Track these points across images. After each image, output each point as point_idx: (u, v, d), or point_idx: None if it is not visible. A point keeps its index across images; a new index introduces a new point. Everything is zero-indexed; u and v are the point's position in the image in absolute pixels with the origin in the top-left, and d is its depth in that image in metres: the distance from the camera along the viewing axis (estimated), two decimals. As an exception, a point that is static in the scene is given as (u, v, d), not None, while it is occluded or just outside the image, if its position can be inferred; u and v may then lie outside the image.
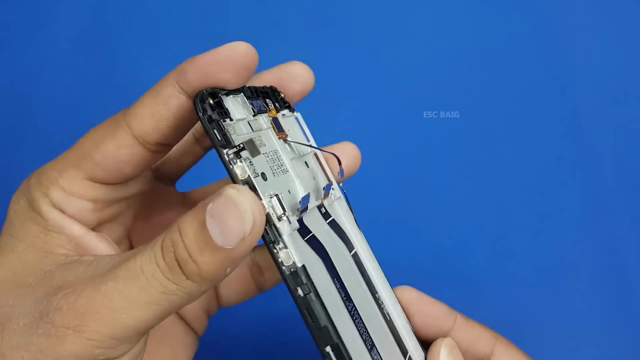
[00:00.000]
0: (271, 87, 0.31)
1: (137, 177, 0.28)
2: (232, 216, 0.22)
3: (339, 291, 0.27)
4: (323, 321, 0.25)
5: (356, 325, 0.27)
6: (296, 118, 0.32)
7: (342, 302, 0.27)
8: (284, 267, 0.25)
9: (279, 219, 0.25)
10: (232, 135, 0.25)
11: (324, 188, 0.30)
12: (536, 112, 0.53)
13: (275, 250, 0.25)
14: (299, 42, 0.52)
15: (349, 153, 0.32)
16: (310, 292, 0.25)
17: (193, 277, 0.22)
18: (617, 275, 0.46)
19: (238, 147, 0.24)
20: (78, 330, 0.22)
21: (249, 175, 0.24)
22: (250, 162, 0.25)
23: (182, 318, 0.33)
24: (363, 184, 0.36)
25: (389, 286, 0.32)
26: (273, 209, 0.25)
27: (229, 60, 0.25)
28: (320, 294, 0.25)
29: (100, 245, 0.27)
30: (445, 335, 0.30)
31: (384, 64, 0.55)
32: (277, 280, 0.33)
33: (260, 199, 0.24)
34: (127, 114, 0.25)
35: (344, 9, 0.56)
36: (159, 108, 0.25)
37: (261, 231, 0.23)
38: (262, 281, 0.33)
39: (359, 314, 0.28)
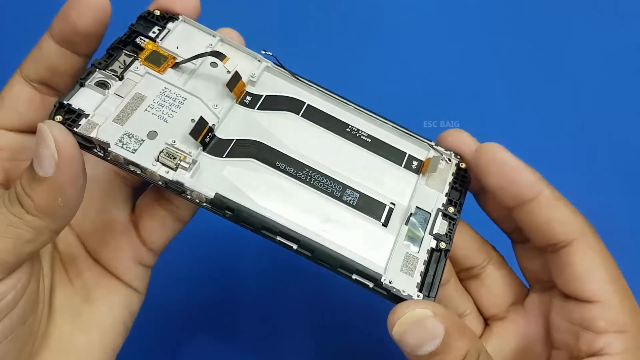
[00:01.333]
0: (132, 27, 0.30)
1: None
2: (41, 145, 0.24)
3: (285, 171, 0.29)
4: (259, 222, 0.27)
5: (315, 186, 0.29)
6: (183, 20, 0.31)
7: (292, 178, 0.29)
8: (203, 205, 0.27)
9: (175, 168, 0.27)
10: (92, 131, 0.27)
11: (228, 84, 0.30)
12: (537, 121, 0.54)
13: (188, 196, 0.27)
14: (299, 52, 0.53)
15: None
16: (235, 210, 0.27)
17: (31, 210, 0.25)
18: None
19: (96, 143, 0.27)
20: None
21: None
22: (123, 138, 0.27)
23: (113, 275, 0.32)
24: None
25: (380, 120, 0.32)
26: (164, 164, 0.27)
27: (77, 2, 0.28)
28: (254, 199, 0.28)
29: None
30: (521, 203, 0.29)
31: (385, 73, 0.55)
32: (192, 207, 0.32)
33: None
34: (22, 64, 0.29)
35: (345, 16, 0.56)
36: (36, 52, 0.29)
37: (73, 156, 0.25)
38: (177, 210, 0.32)
39: (317, 171, 0.29)
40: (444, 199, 0.30)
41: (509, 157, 0.29)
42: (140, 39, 0.30)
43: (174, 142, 0.28)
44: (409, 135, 0.32)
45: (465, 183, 0.31)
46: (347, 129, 0.31)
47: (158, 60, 0.30)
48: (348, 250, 0.27)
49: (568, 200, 0.29)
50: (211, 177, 0.28)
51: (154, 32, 0.31)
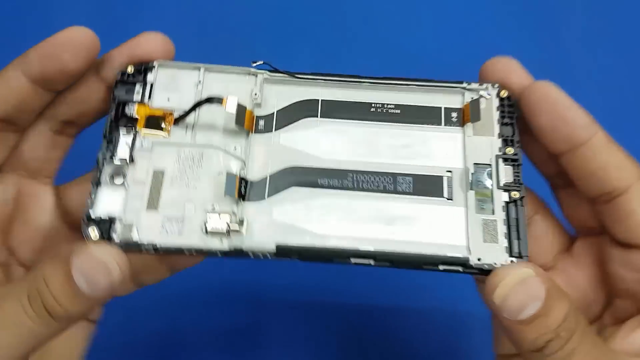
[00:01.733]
0: (114, 93, 0.28)
1: None
2: (98, 272, 0.24)
3: (330, 186, 0.27)
4: (327, 255, 0.26)
5: (366, 189, 0.27)
6: (160, 65, 0.29)
7: (340, 190, 0.27)
8: (267, 258, 0.26)
9: (227, 234, 0.26)
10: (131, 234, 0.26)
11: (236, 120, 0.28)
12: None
13: (250, 257, 0.26)
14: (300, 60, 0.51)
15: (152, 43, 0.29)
16: (301, 253, 0.26)
17: (61, 319, 0.24)
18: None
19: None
20: None
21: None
22: (164, 224, 0.26)
23: None
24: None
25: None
26: (215, 234, 0.26)
27: (68, 42, 0.26)
28: (314, 231, 0.26)
29: None
30: (573, 146, 0.27)
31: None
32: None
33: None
34: None
35: (345, 24, 0.54)
36: (1, 88, 0.27)
37: (126, 276, 0.24)
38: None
39: (361, 172, 0.28)
40: (499, 142, 0.28)
41: (563, 96, 0.26)
42: (129, 107, 0.28)
43: (214, 207, 0.27)
44: (436, 87, 0.29)
45: (513, 113, 0.29)
46: (372, 109, 0.29)
47: (158, 124, 0.28)
48: (424, 244, 0.26)
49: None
50: (264, 227, 0.27)
51: (138, 93, 0.29)
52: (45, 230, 0.30)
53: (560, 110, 0.26)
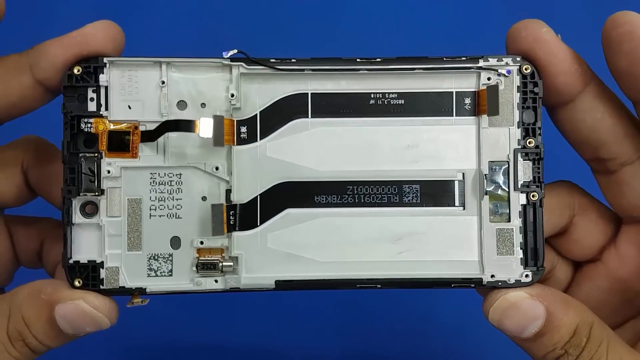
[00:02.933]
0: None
1: None
2: (85, 322, 0.23)
3: (328, 204, 0.25)
4: (330, 284, 0.24)
5: (369, 204, 0.25)
6: (112, 63, 0.24)
7: (339, 207, 0.25)
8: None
9: (221, 273, 0.24)
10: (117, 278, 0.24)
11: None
12: None
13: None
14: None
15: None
16: (302, 285, 0.24)
17: (44, 351, 0.24)
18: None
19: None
20: None
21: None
22: (150, 264, 0.24)
23: None
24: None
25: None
26: (207, 275, 0.24)
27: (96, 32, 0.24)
28: (314, 258, 0.25)
29: None
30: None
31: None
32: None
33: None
34: None
35: (344, 32, 0.50)
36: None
37: (112, 319, 0.24)
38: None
39: (362, 183, 0.25)
40: (519, 133, 0.24)
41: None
42: (84, 122, 0.24)
43: (202, 242, 0.24)
44: (446, 69, 0.24)
45: (537, 93, 0.24)
46: (371, 101, 0.25)
47: (123, 144, 0.24)
48: (434, 263, 0.24)
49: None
50: (260, 259, 0.24)
51: (92, 101, 0.24)
52: None
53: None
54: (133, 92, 0.24)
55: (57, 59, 0.24)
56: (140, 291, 0.24)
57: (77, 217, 0.24)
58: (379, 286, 0.24)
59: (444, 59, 0.24)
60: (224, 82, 0.24)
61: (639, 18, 0.22)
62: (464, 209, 0.25)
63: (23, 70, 0.24)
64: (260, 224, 0.24)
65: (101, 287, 0.24)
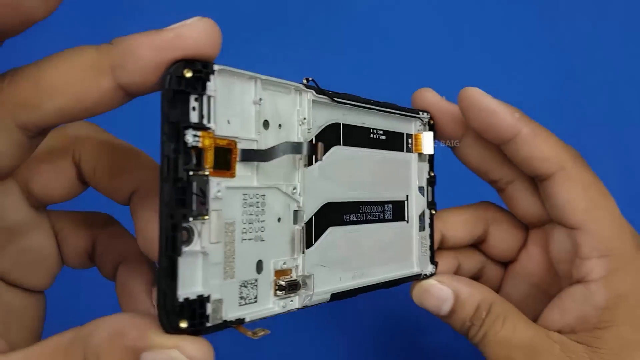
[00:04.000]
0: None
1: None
2: None
3: (351, 222, 0.28)
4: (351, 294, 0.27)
5: (369, 220, 0.29)
6: (218, 72, 0.21)
7: (356, 225, 0.28)
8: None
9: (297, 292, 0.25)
10: (219, 313, 0.21)
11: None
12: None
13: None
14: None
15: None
16: (340, 297, 0.27)
17: None
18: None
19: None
20: None
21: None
22: (242, 292, 0.23)
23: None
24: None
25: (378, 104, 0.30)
26: (286, 297, 0.24)
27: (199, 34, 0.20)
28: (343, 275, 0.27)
29: None
30: (502, 142, 0.31)
31: (385, 93, 0.41)
32: None
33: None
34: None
35: (344, 39, 0.52)
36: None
37: None
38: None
39: (366, 203, 0.29)
40: (427, 167, 0.34)
41: (487, 100, 0.30)
42: (191, 134, 0.20)
43: (284, 263, 0.24)
44: (402, 114, 0.31)
45: (434, 137, 0.34)
46: (371, 135, 0.29)
47: (226, 162, 0.22)
48: (396, 266, 0.31)
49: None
50: (320, 277, 0.26)
51: (194, 111, 0.21)
52: (12, 226, 0.25)
53: (485, 115, 0.30)
54: (231, 106, 0.22)
55: (147, 63, 0.20)
56: (240, 322, 0.22)
57: (184, 246, 0.20)
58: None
59: (399, 107, 0.31)
60: (295, 106, 0.25)
61: (476, 91, 0.30)
62: (407, 222, 0.32)
63: (103, 71, 0.20)
64: (314, 241, 0.26)
65: (207, 324, 0.21)
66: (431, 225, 0.33)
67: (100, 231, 0.27)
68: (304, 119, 0.25)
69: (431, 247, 0.33)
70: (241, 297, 0.22)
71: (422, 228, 0.33)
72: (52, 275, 0.27)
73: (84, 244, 0.27)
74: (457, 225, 0.34)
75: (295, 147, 0.24)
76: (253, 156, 0.23)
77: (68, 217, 0.27)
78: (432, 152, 0.33)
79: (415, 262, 0.32)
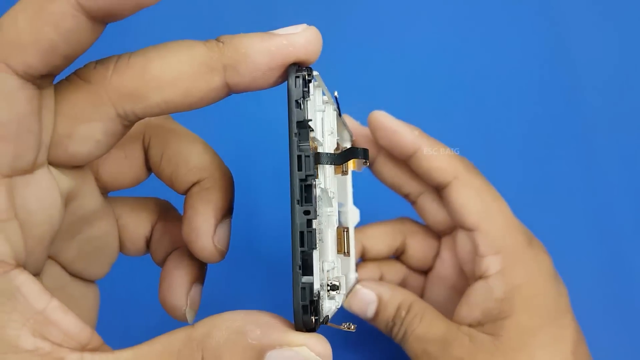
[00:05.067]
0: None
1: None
2: None
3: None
4: None
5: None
6: (314, 78, 0.22)
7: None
8: None
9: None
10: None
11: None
12: (537, 148, 0.49)
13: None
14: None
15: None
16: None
17: None
18: (618, 276, 0.46)
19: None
20: None
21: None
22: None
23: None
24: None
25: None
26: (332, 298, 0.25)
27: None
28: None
29: (59, 316, 0.20)
30: (406, 157, 0.34)
31: (385, 99, 0.46)
32: None
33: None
34: None
35: (343, 46, 0.51)
36: (46, 32, 0.19)
37: None
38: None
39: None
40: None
41: (390, 121, 0.35)
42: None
43: (334, 265, 0.25)
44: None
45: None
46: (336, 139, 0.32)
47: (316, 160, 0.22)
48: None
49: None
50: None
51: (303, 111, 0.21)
52: (85, 216, 0.24)
53: (390, 134, 0.35)
54: (313, 112, 0.23)
55: (260, 67, 0.21)
56: (327, 319, 0.23)
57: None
58: None
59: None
60: (331, 118, 0.27)
61: (381, 113, 0.35)
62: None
63: (215, 70, 0.21)
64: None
65: (319, 320, 0.21)
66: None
67: (159, 218, 0.27)
68: (332, 129, 0.27)
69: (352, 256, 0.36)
70: (322, 305, 0.23)
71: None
72: (110, 264, 0.27)
73: (144, 231, 0.27)
74: (377, 238, 0.38)
75: (362, 153, 0.25)
76: (329, 159, 0.24)
77: (127, 203, 0.27)
78: (359, 170, 0.37)
79: (353, 268, 0.35)
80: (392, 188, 0.39)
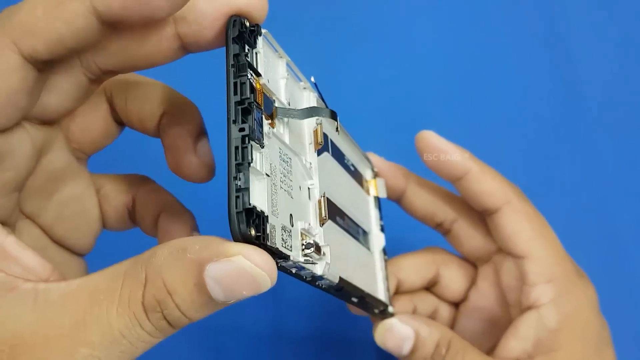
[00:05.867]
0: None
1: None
2: (244, 286, 0.20)
3: (340, 225, 0.29)
4: (356, 293, 0.28)
5: (352, 234, 0.31)
6: (264, 36, 0.24)
7: (343, 230, 0.29)
8: (324, 288, 0.26)
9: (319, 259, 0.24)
10: (275, 239, 0.22)
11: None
12: (537, 154, 0.51)
13: (317, 284, 0.26)
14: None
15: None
16: (343, 289, 0.27)
17: (182, 326, 0.21)
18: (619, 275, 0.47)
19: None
20: None
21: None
22: (283, 235, 0.23)
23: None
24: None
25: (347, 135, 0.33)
26: (310, 258, 0.24)
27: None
28: (347, 275, 0.27)
29: (18, 251, 0.22)
30: (454, 179, 0.34)
31: (385, 105, 0.50)
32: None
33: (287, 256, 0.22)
34: (8, 26, 0.21)
35: (343, 52, 0.52)
36: (58, 26, 0.21)
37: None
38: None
39: (350, 219, 0.31)
40: (378, 213, 0.37)
41: (440, 142, 0.34)
42: (250, 72, 0.22)
43: (309, 225, 0.25)
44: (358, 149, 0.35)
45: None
46: (345, 160, 0.33)
47: (269, 106, 0.24)
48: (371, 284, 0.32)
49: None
50: (330, 255, 0.26)
51: (246, 56, 0.23)
52: (57, 173, 0.26)
53: (439, 156, 0.34)
54: (267, 71, 0.25)
55: (206, 15, 0.22)
56: (286, 257, 0.22)
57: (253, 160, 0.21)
58: (355, 300, 0.30)
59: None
60: (307, 101, 0.28)
61: (429, 133, 0.34)
62: (371, 252, 0.34)
63: (166, 22, 0.22)
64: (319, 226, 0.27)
65: (267, 243, 0.21)
66: (385, 269, 0.35)
67: (139, 188, 0.28)
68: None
69: (388, 289, 0.34)
70: (283, 240, 0.22)
71: (383, 267, 0.35)
72: (93, 236, 0.28)
73: (125, 199, 0.28)
74: (411, 270, 0.37)
75: (328, 112, 0.25)
76: (289, 113, 0.25)
77: (108, 177, 0.28)
78: (385, 196, 0.37)
79: (381, 293, 0.34)
80: (424, 219, 0.38)
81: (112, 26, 0.21)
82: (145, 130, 0.27)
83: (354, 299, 0.30)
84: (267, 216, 0.21)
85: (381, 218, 0.36)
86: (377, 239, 0.35)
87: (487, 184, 0.34)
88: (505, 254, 0.35)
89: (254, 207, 0.20)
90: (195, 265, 0.20)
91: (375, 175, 0.37)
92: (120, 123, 0.27)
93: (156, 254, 0.20)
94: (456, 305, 0.38)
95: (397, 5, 0.54)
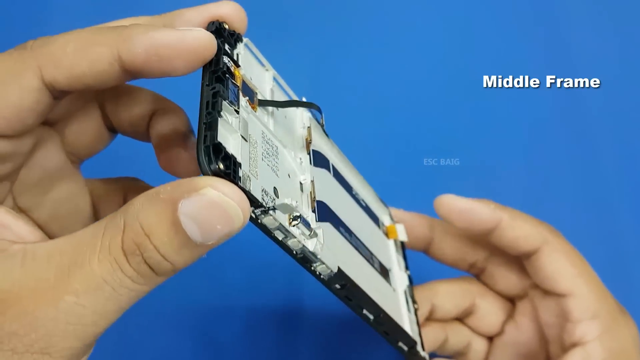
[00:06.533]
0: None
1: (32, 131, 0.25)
2: (217, 220, 0.20)
3: (345, 237, 0.29)
4: (364, 300, 0.27)
5: (362, 255, 0.30)
6: (246, 45, 0.27)
7: (350, 244, 0.29)
8: (324, 278, 0.25)
9: (309, 236, 0.24)
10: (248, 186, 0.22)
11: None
12: (538, 161, 0.51)
13: (313, 268, 0.25)
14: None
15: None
16: (347, 286, 0.26)
17: (166, 273, 0.21)
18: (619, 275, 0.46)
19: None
20: (46, 352, 0.20)
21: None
22: (262, 195, 0.23)
23: None
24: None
25: (362, 178, 0.34)
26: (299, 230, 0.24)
27: (191, 48, 0.22)
28: (353, 277, 0.26)
29: (9, 219, 0.23)
30: (487, 232, 0.33)
31: (386, 109, 0.52)
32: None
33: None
34: (39, 53, 0.22)
35: (344, 54, 0.53)
36: (83, 65, 0.22)
37: (245, 223, 0.21)
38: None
39: (358, 239, 0.30)
40: (403, 261, 0.36)
41: (462, 202, 0.34)
42: (229, 61, 0.24)
43: (297, 203, 0.24)
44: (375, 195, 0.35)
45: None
46: (353, 192, 0.33)
47: (251, 96, 0.25)
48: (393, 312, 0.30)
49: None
50: (326, 244, 0.25)
51: (227, 54, 0.25)
52: (51, 171, 0.26)
53: (466, 216, 0.34)
54: (250, 73, 0.26)
55: (193, 20, 0.25)
56: (260, 205, 0.22)
57: (223, 116, 0.22)
58: (372, 318, 0.28)
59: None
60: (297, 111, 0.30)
61: (450, 197, 0.34)
62: (395, 291, 0.33)
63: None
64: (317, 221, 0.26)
65: (239, 183, 0.21)
66: (416, 312, 0.33)
67: (130, 187, 0.29)
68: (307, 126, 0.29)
69: (418, 326, 0.32)
70: (262, 199, 0.22)
71: (409, 309, 0.33)
72: None
73: (117, 199, 0.29)
74: (447, 296, 0.36)
75: (310, 105, 0.27)
76: (270, 103, 0.26)
77: (100, 180, 0.29)
78: (406, 239, 0.36)
79: (407, 326, 0.31)
80: (455, 264, 0.37)
81: (132, 74, 0.24)
82: (136, 134, 0.28)
83: (369, 315, 0.28)
84: (240, 163, 0.21)
85: (407, 267, 0.35)
86: (401, 279, 0.34)
87: (521, 229, 0.34)
88: (544, 291, 0.34)
89: (224, 148, 0.21)
90: (168, 205, 0.20)
91: (395, 222, 0.37)
92: (112, 130, 0.28)
93: (133, 202, 0.21)
94: (489, 338, 0.37)
95: (397, 11, 0.55)
